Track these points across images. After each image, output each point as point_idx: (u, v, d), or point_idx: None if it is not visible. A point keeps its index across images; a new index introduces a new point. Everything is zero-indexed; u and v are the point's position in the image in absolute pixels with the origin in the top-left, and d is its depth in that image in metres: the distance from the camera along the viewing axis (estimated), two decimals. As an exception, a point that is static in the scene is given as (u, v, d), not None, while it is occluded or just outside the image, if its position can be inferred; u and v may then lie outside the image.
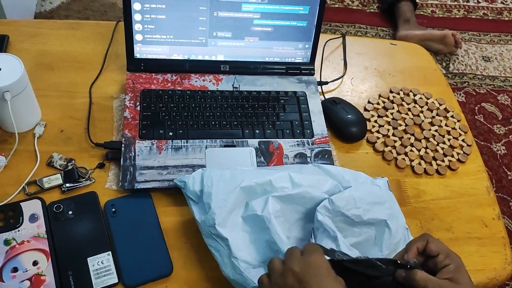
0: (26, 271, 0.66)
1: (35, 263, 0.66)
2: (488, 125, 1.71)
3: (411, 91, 0.97)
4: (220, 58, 0.90)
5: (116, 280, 0.67)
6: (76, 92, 0.86)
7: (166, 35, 0.86)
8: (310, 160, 0.81)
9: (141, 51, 0.87)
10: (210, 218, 0.66)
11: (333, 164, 0.82)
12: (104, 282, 0.66)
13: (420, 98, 0.96)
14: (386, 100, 0.95)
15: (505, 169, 1.59)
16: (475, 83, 1.87)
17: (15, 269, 0.65)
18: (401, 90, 0.97)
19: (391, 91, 0.97)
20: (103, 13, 1.83)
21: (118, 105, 0.85)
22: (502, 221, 0.83)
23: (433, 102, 0.96)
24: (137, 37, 0.85)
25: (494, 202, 0.85)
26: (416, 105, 0.95)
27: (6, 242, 0.68)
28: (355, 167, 0.77)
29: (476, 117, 1.73)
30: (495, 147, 1.65)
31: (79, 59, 0.91)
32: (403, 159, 0.87)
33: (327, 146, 0.83)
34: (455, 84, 1.87)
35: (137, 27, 0.84)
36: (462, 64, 1.96)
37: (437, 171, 0.86)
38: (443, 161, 0.87)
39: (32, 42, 0.92)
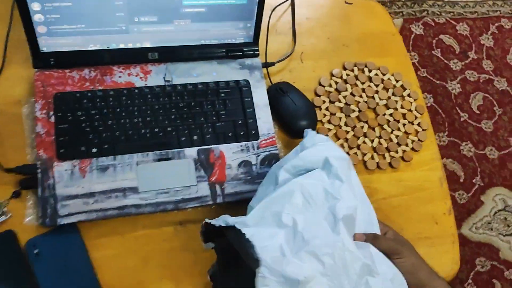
0: None
1: (-49, 325, 0.60)
2: (445, 61, 1.64)
3: (366, 66, 0.87)
4: (146, 45, 0.76)
5: (47, 334, 0.62)
6: (-26, 98, 0.72)
7: (76, 25, 0.70)
8: (256, 167, 0.74)
9: (48, 44, 0.72)
10: None
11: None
12: (34, 338, 0.61)
13: (376, 74, 0.87)
14: (339, 80, 0.85)
15: (459, 110, 1.57)
16: (434, 11, 1.74)
17: None
18: (355, 65, 0.87)
19: (344, 68, 0.87)
20: None
21: (29, 112, 0.72)
22: (453, 216, 0.81)
23: (389, 79, 0.87)
24: (40, 29, 0.69)
25: (446, 194, 0.82)
26: (371, 84, 0.86)
27: None
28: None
29: (433, 52, 1.64)
30: (450, 86, 1.60)
31: (-28, 50, 0.75)
32: (355, 153, 0.81)
33: (274, 149, 0.76)
34: (413, 13, 1.74)
35: (37, 18, 0.68)
36: (422, -11, 1.82)
37: (390, 164, 0.81)
38: (396, 151, 0.82)
39: None
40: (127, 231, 0.69)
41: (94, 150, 0.70)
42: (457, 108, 1.56)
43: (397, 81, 0.88)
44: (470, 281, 1.36)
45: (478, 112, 1.60)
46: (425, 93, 1.58)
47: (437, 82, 1.59)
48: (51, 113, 0.70)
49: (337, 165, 0.61)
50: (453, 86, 1.60)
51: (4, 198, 0.67)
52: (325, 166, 0.62)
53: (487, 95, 1.64)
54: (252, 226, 0.56)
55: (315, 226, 0.57)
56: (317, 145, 0.65)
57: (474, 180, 1.49)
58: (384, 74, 0.88)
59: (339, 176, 0.60)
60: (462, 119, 1.56)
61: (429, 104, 1.56)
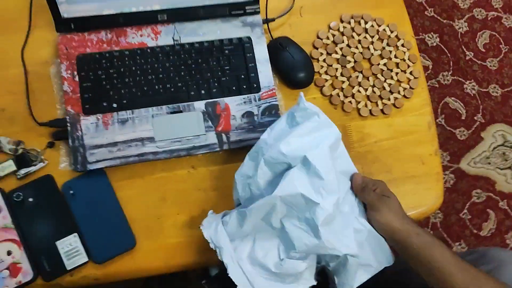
0: (2, 261, 0.73)
1: (9, 253, 0.73)
2: (454, -1, 1.63)
3: (362, 17, 0.92)
4: (156, 7, 0.83)
5: (86, 259, 0.75)
6: (6, 61, 0.81)
7: (92, -8, 0.78)
8: (258, 118, 0.83)
9: (68, 11, 0.79)
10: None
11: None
12: (75, 262, 0.74)
13: (372, 26, 0.92)
14: (336, 33, 0.91)
15: (464, 49, 1.58)
16: None
17: (-9, 262, 0.73)
18: (352, 18, 0.92)
19: (341, 21, 0.92)
20: None
21: (56, 71, 0.82)
22: (439, 156, 0.89)
23: (384, 30, 0.92)
24: (60, -3, 0.77)
25: (433, 137, 0.90)
26: (367, 35, 0.92)
27: (-23, 238, 0.73)
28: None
29: (443, -11, 1.63)
30: (457, 25, 1.60)
31: (1, 17, 0.83)
32: (350, 102, 0.88)
33: (274, 100, 0.84)
34: None
35: (57, -13, 0.76)
36: None
37: (382, 111, 0.89)
38: (389, 99, 0.89)
39: None
40: (147, 174, 0.81)
41: (115, 105, 0.80)
42: (463, 47, 1.58)
43: (391, 32, 0.93)
44: (465, 211, 1.46)
45: (484, 50, 1.61)
46: (431, 33, 1.59)
47: (444, 21, 1.60)
48: (75, 73, 0.80)
49: (316, 162, 0.66)
50: (460, 25, 1.61)
51: (41, 148, 0.79)
52: (304, 164, 0.67)
53: (494, 33, 1.64)
54: (250, 234, 0.70)
55: (300, 232, 0.68)
56: (304, 127, 0.69)
57: (475, 118, 1.54)
58: (379, 25, 0.93)
59: (318, 173, 0.66)
60: (467, 58, 1.58)
61: (435, 44, 1.58)
